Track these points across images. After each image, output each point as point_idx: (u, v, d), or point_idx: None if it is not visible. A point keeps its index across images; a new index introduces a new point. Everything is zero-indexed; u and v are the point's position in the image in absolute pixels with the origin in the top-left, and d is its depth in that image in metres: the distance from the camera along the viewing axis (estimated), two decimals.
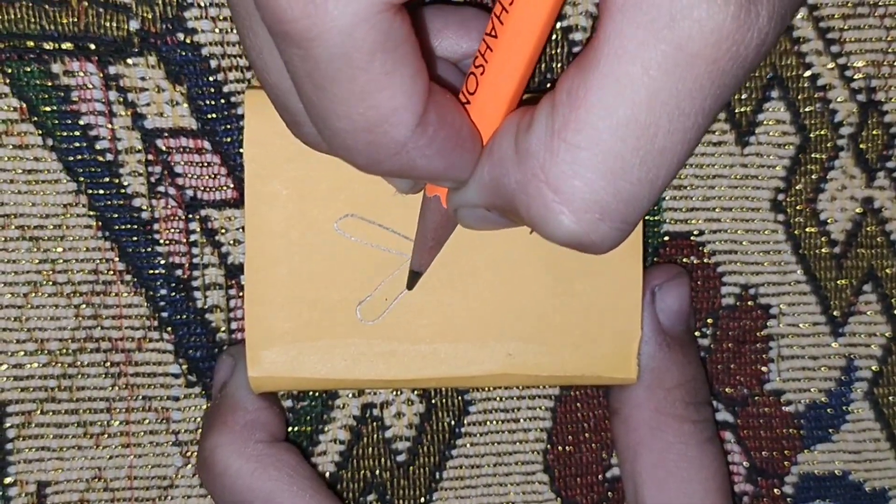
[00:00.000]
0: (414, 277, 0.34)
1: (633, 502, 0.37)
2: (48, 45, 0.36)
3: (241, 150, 0.37)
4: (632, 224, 0.27)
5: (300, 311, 0.34)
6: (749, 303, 0.40)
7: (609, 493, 0.41)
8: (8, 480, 0.38)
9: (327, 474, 0.39)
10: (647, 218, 0.39)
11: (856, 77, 0.39)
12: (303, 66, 0.25)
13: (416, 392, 0.39)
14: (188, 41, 0.36)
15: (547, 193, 0.26)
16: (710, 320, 0.40)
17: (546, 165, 0.26)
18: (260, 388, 0.35)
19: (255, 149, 0.34)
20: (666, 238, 0.39)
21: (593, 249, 0.27)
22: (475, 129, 0.29)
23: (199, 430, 0.38)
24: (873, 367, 0.41)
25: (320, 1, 0.23)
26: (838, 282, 0.40)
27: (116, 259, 0.37)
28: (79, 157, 0.37)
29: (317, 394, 0.39)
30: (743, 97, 0.38)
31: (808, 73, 0.39)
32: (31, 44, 0.36)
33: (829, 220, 0.40)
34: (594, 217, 0.26)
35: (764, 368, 0.41)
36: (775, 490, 0.41)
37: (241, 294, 0.38)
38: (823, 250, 0.40)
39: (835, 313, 0.40)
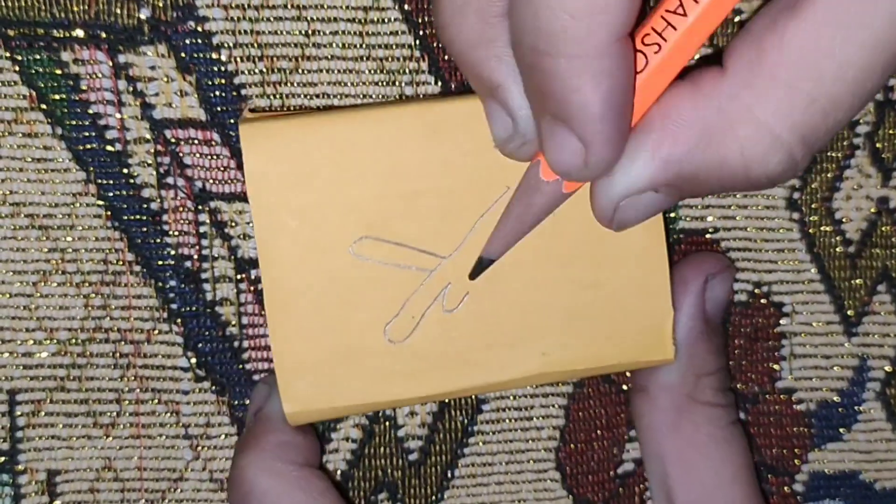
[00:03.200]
0: (482, 266, 0.30)
1: (660, 483, 0.34)
2: (58, 33, 0.32)
3: None
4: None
5: (327, 340, 0.31)
6: (762, 300, 0.37)
7: (620, 489, 0.37)
8: (18, 468, 0.35)
9: (338, 472, 0.36)
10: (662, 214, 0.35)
11: None
12: None
13: None
14: (199, 30, 0.33)
15: (766, 129, 0.24)
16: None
17: (759, 106, 0.24)
18: (297, 421, 0.31)
19: (259, 182, 0.30)
20: (681, 235, 0.36)
21: (778, 183, 0.26)
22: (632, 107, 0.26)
23: (209, 425, 0.35)
24: (886, 368, 0.37)
25: None
26: (852, 281, 0.37)
27: (125, 249, 0.34)
28: (88, 146, 0.33)
29: None
30: None
31: None
32: (40, 31, 0.32)
33: (844, 220, 0.36)
34: (807, 149, 0.25)
35: (776, 366, 0.37)
36: (785, 488, 0.38)
37: (251, 288, 0.35)
38: (838, 249, 0.36)
39: (848, 313, 0.37)
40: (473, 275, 0.31)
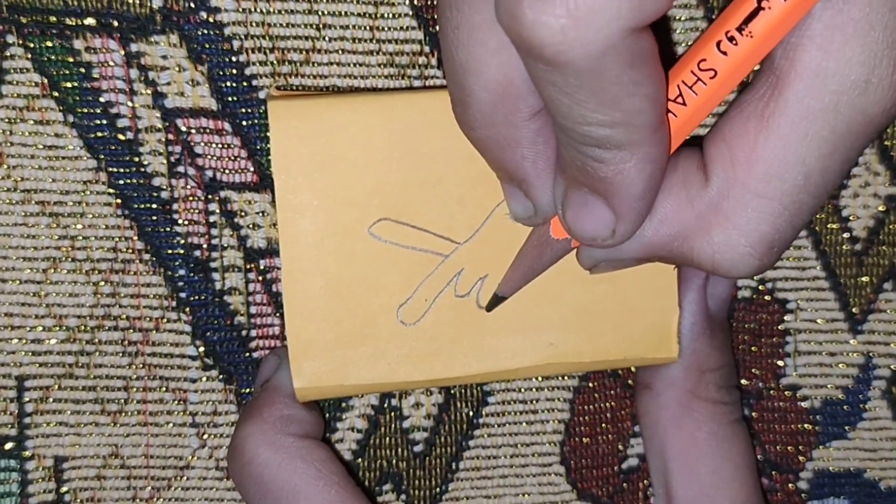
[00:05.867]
0: (497, 301, 0.30)
1: (661, 479, 0.33)
2: (70, 21, 0.31)
3: (261, 134, 0.33)
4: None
5: (340, 319, 0.30)
6: (766, 297, 0.36)
7: (624, 484, 0.36)
8: (26, 454, 0.34)
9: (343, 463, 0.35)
10: None
11: None
12: (547, 76, 0.23)
13: None
14: (211, 20, 0.32)
15: (738, 240, 0.26)
16: None
17: (733, 216, 0.26)
18: (306, 397, 0.31)
19: (284, 160, 0.29)
20: None
21: (758, 274, 0.27)
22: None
23: (216, 413, 0.34)
24: (892, 366, 0.36)
25: (573, 29, 0.21)
26: (858, 279, 0.36)
27: (135, 238, 0.33)
28: (99, 134, 0.32)
29: None
30: None
31: None
32: (53, 19, 0.31)
33: (851, 217, 0.35)
34: (774, 252, 0.26)
35: (780, 363, 0.36)
36: (789, 485, 0.37)
37: (259, 278, 0.34)
38: (844, 247, 0.35)
39: (854, 310, 0.36)
40: (489, 308, 0.31)
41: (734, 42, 0.24)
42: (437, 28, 0.27)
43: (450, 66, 0.25)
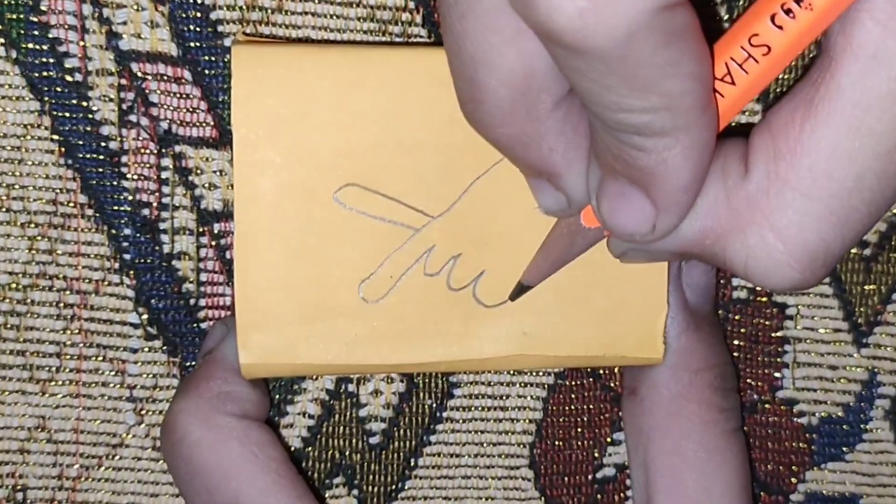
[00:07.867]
0: (521, 291, 0.28)
1: (642, 495, 0.30)
2: None
3: (224, 86, 0.30)
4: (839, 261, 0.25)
5: (296, 290, 0.28)
6: (762, 299, 0.33)
7: (598, 495, 0.33)
8: None
9: (292, 449, 0.32)
10: None
11: None
12: (570, 62, 0.20)
13: None
14: None
15: (774, 244, 0.23)
16: (719, 312, 0.33)
17: (771, 216, 0.23)
18: (252, 374, 0.28)
19: (245, 112, 0.27)
20: None
21: (800, 290, 0.25)
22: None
23: (157, 388, 0.32)
24: None
25: (592, 12, 0.19)
26: (865, 287, 0.33)
27: (78, 190, 0.30)
28: (44, 73, 0.30)
29: None
30: (779, 89, 0.32)
31: None
32: None
33: None
34: (819, 266, 0.24)
35: (777, 374, 0.33)
36: None
37: (212, 243, 0.31)
38: (852, 251, 0.33)
39: (859, 321, 0.33)
40: (513, 297, 0.28)
41: (791, 15, 0.22)
42: (439, 18, 0.24)
43: (457, 60, 0.22)
